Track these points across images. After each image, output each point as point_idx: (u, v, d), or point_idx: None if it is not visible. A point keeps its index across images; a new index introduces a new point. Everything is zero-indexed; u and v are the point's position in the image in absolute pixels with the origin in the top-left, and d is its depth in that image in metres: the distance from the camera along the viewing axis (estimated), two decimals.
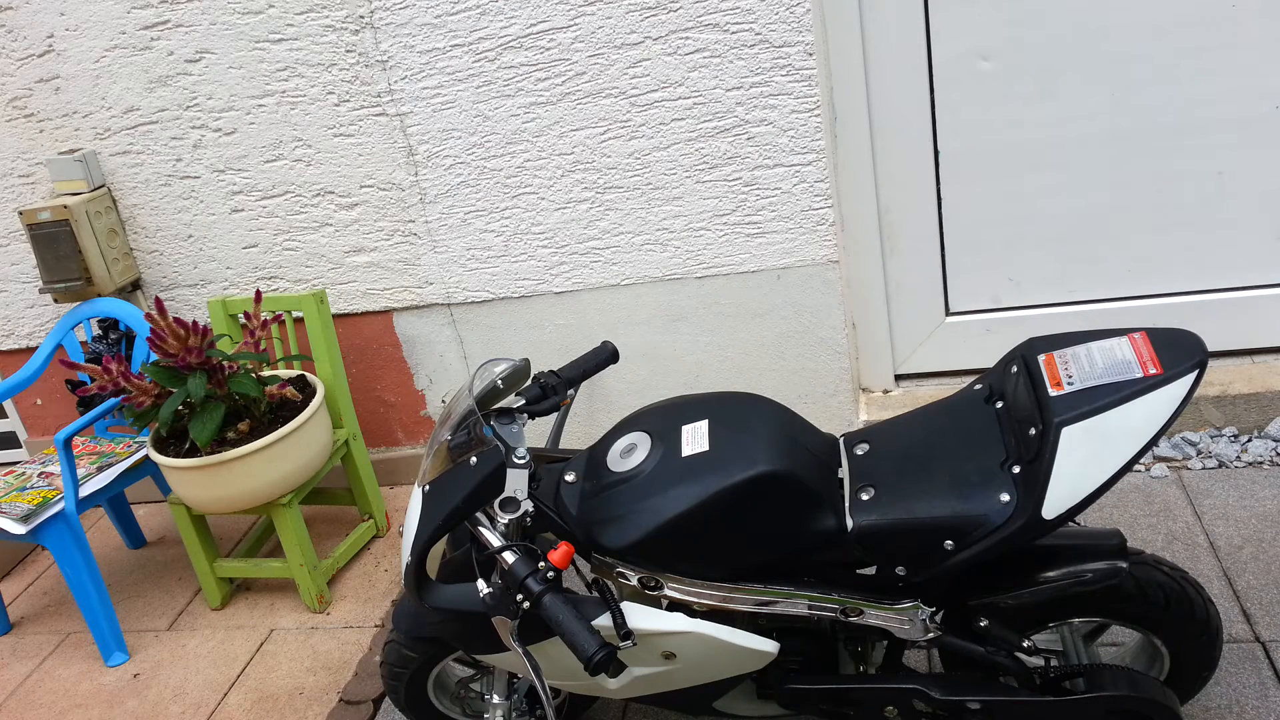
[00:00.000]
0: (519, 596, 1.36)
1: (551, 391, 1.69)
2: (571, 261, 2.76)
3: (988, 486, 1.41)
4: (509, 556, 1.38)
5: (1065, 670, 1.58)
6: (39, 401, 3.38)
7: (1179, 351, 1.37)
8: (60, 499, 2.56)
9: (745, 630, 1.52)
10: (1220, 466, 2.49)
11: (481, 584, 1.40)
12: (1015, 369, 1.53)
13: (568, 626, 1.30)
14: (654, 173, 2.60)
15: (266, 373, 2.61)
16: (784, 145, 2.50)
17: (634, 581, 1.53)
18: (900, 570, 1.48)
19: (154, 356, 2.37)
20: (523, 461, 1.51)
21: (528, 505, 1.47)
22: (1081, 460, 1.35)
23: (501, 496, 1.47)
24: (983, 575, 1.53)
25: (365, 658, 2.47)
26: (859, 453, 1.58)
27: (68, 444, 2.50)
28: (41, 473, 2.73)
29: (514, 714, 1.84)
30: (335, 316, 2.92)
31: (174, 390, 2.35)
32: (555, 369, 1.72)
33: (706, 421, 1.55)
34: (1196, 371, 1.34)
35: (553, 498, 1.58)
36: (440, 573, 1.69)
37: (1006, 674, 1.59)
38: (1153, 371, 1.38)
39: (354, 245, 2.88)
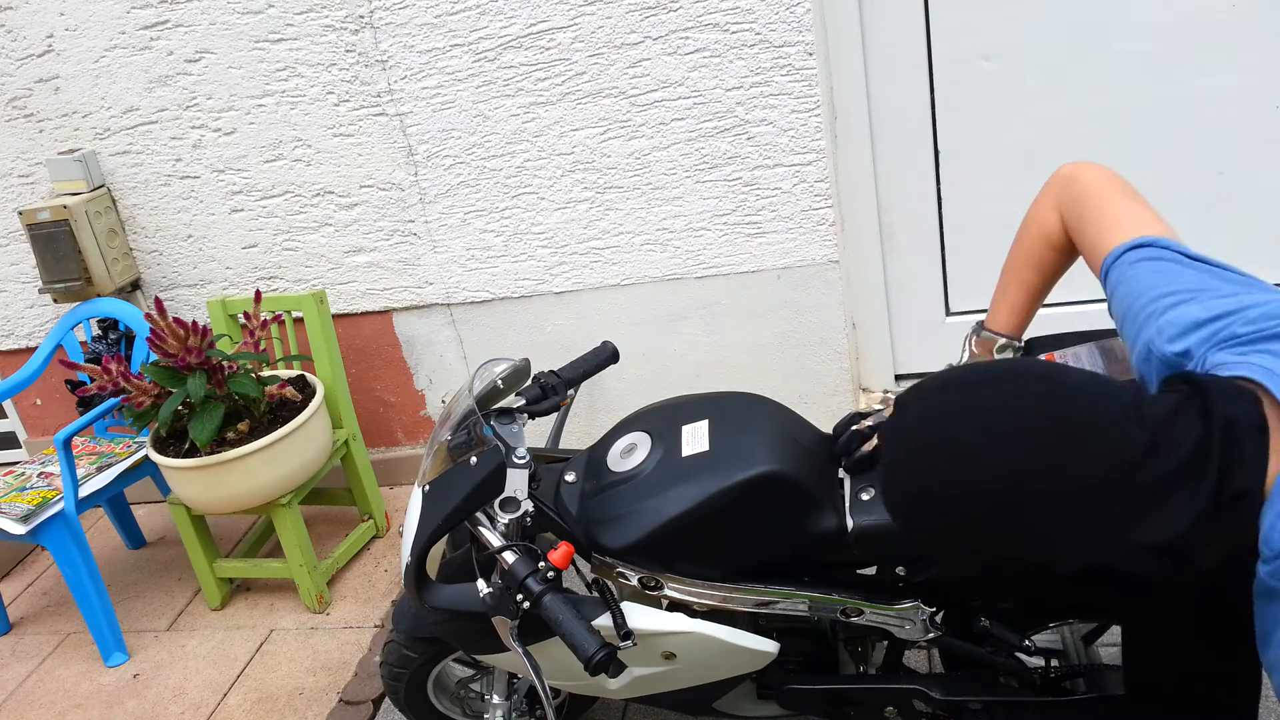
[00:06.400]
0: (519, 596, 1.36)
1: (551, 391, 1.68)
2: (571, 261, 2.76)
3: None
4: (509, 556, 1.38)
5: (1065, 670, 1.58)
6: (39, 401, 3.38)
7: None
8: (60, 499, 2.56)
9: (745, 630, 1.52)
10: None
11: (481, 584, 1.40)
12: None
13: (568, 626, 1.30)
14: (654, 173, 2.60)
15: (266, 373, 2.61)
16: (784, 145, 2.49)
17: (634, 581, 1.53)
18: (900, 570, 1.48)
19: (154, 356, 2.37)
20: (523, 461, 1.51)
21: (528, 505, 1.47)
22: None
23: (501, 496, 1.47)
24: None
25: (365, 658, 2.47)
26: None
27: (67, 444, 2.50)
28: (41, 473, 2.73)
29: (514, 714, 1.84)
30: (335, 316, 2.92)
31: (174, 390, 2.35)
32: (555, 369, 1.72)
33: (706, 421, 1.55)
34: None
35: (553, 498, 1.58)
36: (440, 573, 1.69)
37: (1006, 674, 1.59)
38: None
39: (354, 245, 2.88)
